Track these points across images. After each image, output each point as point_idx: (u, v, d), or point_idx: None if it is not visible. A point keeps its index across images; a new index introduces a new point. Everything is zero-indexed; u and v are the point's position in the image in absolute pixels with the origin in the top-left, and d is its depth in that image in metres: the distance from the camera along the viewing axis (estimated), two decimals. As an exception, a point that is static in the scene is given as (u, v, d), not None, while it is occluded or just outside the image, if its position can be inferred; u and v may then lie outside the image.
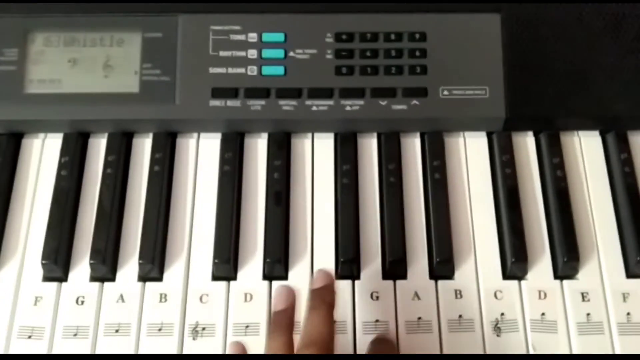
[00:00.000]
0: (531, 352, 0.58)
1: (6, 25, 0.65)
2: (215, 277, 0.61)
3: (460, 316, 0.59)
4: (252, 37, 0.65)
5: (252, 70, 0.64)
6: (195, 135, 0.66)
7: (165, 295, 0.60)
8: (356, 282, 0.60)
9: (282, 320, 0.55)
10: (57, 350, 0.58)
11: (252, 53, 0.65)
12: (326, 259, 0.61)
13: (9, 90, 0.64)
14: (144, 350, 0.58)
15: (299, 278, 0.60)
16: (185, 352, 0.58)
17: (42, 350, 0.58)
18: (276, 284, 0.60)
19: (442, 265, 0.60)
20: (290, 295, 0.58)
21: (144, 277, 0.61)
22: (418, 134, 0.66)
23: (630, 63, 0.64)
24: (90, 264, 0.60)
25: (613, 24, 0.65)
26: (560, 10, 0.65)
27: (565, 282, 0.60)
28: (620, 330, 0.59)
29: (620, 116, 0.65)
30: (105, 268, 0.60)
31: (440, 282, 0.60)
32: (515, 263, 0.60)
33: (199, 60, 0.64)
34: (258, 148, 0.66)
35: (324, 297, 0.55)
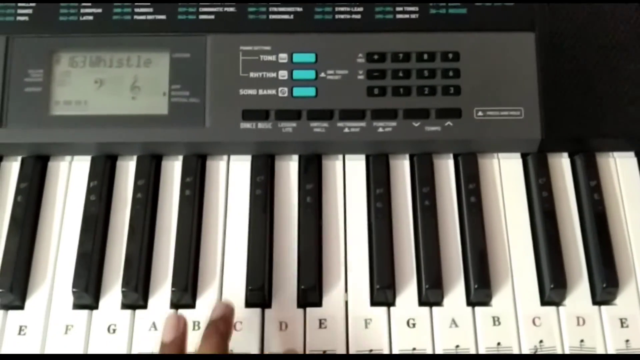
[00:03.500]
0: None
1: (31, 46, 0.64)
2: (248, 304, 0.60)
3: (498, 344, 0.58)
4: (283, 57, 0.64)
5: (283, 91, 0.63)
6: (225, 157, 0.65)
7: (199, 322, 0.59)
8: (391, 309, 0.59)
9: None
10: (90, 380, 0.57)
11: (283, 74, 0.63)
12: (360, 285, 0.60)
13: (35, 112, 0.63)
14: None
15: (333, 305, 0.59)
16: (219, 381, 0.57)
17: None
18: (311, 310, 0.59)
19: (480, 292, 0.59)
20: (181, 324, 0.54)
21: (176, 304, 0.60)
22: (451, 156, 0.65)
23: (667, 83, 0.63)
24: (122, 292, 0.59)
25: (650, 43, 0.64)
26: (595, 29, 0.64)
27: (603, 307, 0.59)
28: (661, 356, 0.58)
29: (656, 137, 0.64)
30: (137, 295, 0.59)
31: (477, 308, 0.59)
32: (554, 289, 0.59)
33: (229, 81, 0.63)
34: (289, 170, 0.64)
35: (218, 327, 0.54)
